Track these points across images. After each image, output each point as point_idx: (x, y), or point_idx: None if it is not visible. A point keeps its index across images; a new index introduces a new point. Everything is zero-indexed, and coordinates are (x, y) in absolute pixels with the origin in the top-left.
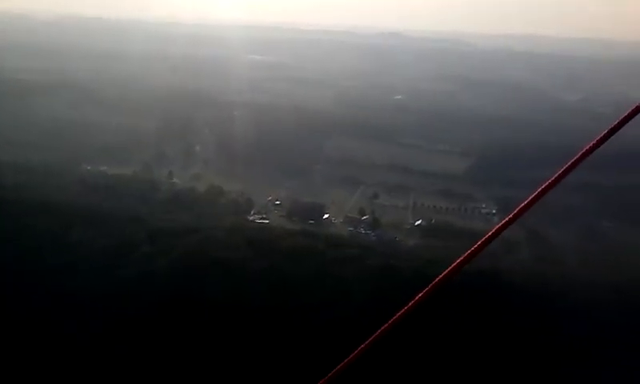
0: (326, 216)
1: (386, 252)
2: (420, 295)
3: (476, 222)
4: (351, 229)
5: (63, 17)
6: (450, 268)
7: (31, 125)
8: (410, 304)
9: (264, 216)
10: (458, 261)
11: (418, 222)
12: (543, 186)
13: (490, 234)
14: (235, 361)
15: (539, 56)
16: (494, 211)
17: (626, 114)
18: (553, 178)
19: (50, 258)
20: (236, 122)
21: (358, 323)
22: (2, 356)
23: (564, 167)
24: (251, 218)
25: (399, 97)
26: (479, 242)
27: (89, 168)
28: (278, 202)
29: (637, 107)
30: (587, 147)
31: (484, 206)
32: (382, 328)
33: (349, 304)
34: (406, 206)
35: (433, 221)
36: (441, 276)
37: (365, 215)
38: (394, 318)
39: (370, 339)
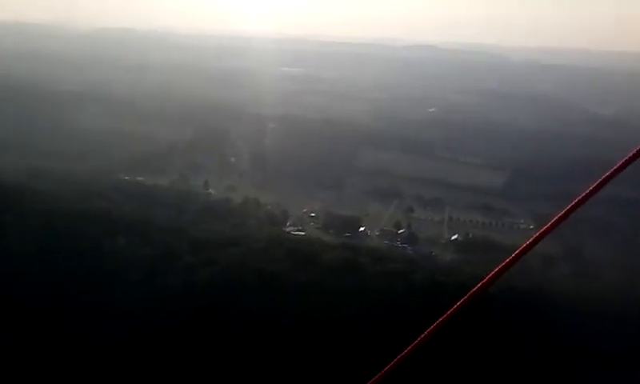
0: (361, 229)
1: (426, 266)
2: (457, 306)
3: (514, 237)
4: (387, 242)
5: (98, 29)
6: (486, 279)
7: (69, 134)
8: (447, 314)
9: (300, 228)
10: (493, 272)
11: (455, 236)
12: (577, 200)
13: (523, 246)
14: (279, 374)
15: (571, 69)
16: (531, 226)
17: None
18: (587, 192)
19: (91, 266)
20: (270, 134)
21: (405, 339)
22: (46, 357)
23: (598, 181)
24: (287, 230)
25: (432, 109)
26: (513, 255)
27: (126, 178)
28: (312, 215)
29: None
30: (622, 162)
31: (522, 221)
32: (418, 340)
33: (395, 319)
34: (441, 219)
35: (470, 235)
36: (476, 287)
37: (401, 229)
38: (430, 329)
39: (405, 352)
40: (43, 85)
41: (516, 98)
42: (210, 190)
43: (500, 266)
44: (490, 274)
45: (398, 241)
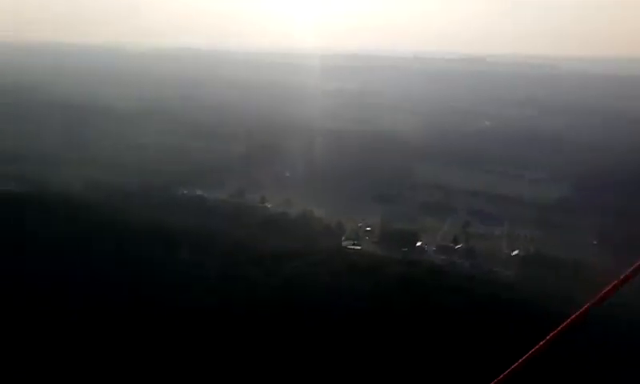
0: (418, 244)
1: (489, 283)
2: (555, 332)
3: (576, 253)
4: (445, 257)
5: (156, 48)
6: (583, 309)
7: (129, 150)
8: (545, 341)
9: (356, 242)
10: (590, 302)
11: (515, 252)
12: None
13: (625, 274)
14: None
15: (628, 79)
16: (594, 242)
17: None
18: None
19: (156, 278)
20: (324, 148)
21: (474, 358)
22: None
23: None
24: (344, 244)
25: (487, 123)
26: (614, 283)
27: (185, 192)
28: (368, 229)
29: None
30: None
31: (583, 236)
32: (518, 362)
33: (463, 337)
34: (499, 234)
35: (531, 251)
36: (572, 317)
37: (458, 244)
38: (530, 352)
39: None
40: (106, 103)
41: (572, 110)
42: (267, 203)
43: (600, 294)
44: (588, 303)
45: (456, 256)
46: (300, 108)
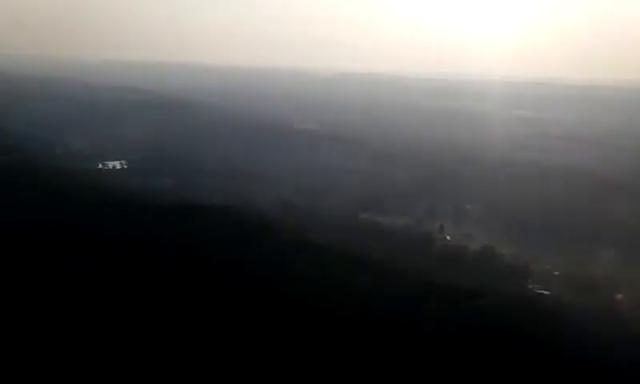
0: (618, 296)
1: None
2: None
3: None
4: None
5: (338, 73)
6: None
7: (314, 172)
8: None
9: (544, 286)
10: None
11: None
12: None
13: None
14: None
15: None
16: None
17: None
18: None
19: (330, 298)
20: (507, 180)
21: None
22: None
23: None
24: (529, 287)
25: None
26: None
27: (365, 216)
28: (557, 273)
29: None
30: None
31: None
32: None
33: None
34: None
35: None
36: None
37: None
38: None
39: None
40: (292, 125)
41: None
42: (446, 235)
43: None
44: None
45: None
46: (482, 137)
